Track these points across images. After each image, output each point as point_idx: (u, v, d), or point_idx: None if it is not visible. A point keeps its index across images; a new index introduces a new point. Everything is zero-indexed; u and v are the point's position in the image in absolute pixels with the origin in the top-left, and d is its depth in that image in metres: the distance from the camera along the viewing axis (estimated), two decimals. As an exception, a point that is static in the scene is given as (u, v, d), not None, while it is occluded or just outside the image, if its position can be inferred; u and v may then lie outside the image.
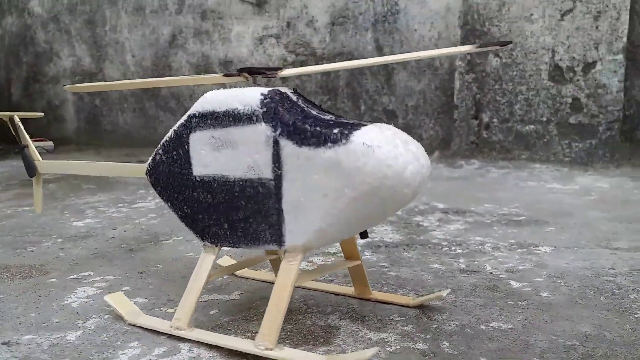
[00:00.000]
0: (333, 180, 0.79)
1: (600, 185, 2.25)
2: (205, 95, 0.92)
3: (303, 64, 3.69)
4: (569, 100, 2.68)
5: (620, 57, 2.57)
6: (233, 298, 1.06)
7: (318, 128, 0.81)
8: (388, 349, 0.83)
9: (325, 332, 0.89)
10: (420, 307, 0.98)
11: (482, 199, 1.99)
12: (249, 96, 0.87)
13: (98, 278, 1.19)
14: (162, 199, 1.00)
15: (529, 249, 1.36)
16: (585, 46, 2.62)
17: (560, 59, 2.67)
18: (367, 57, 3.50)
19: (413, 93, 3.39)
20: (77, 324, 0.94)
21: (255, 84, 0.94)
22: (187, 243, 1.48)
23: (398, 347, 0.83)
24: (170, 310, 1.01)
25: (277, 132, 0.83)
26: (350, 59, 3.51)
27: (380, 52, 3.44)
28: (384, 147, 0.77)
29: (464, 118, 2.93)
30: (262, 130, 0.84)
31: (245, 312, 1.00)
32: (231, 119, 0.88)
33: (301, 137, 0.82)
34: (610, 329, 0.88)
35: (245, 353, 0.81)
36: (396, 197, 0.79)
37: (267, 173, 0.85)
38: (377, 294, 1.04)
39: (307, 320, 0.94)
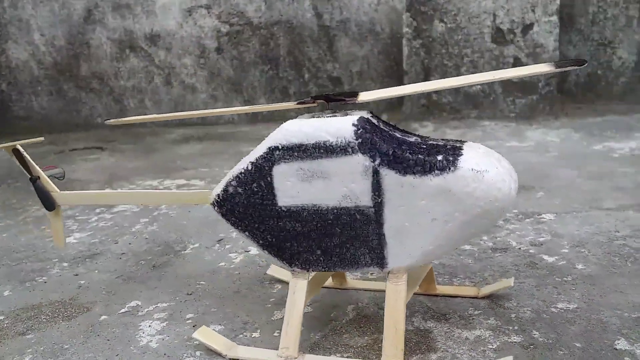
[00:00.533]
0: (442, 206, 0.83)
1: (551, 139, 2.46)
2: (285, 127, 0.91)
3: (239, 34, 3.58)
4: (511, 60, 2.86)
5: (554, 18, 2.77)
6: (305, 311, 1.09)
7: (420, 156, 0.84)
8: (490, 346, 0.91)
9: (421, 337, 0.96)
10: (487, 297, 1.08)
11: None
12: (341, 128, 0.87)
13: (151, 308, 1.16)
14: (236, 229, 0.99)
15: (535, 218, 1.50)
16: (523, 9, 2.79)
17: (501, 22, 2.82)
18: (306, 25, 3.46)
19: (356, 59, 3.43)
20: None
21: (330, 110, 0.94)
22: (208, 251, 1.46)
23: (498, 343, 0.92)
24: (255, 334, 1.02)
25: (377, 162, 0.85)
26: (290, 28, 3.46)
27: (319, 19, 3.42)
28: (491, 171, 0.82)
29: (414, 82, 3.03)
30: (360, 161, 0.86)
31: (330, 324, 1.03)
32: (322, 151, 0.88)
33: (404, 166, 0.84)
34: (656, 296, 1.03)
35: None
36: (502, 214, 0.85)
37: (365, 201, 0.87)
38: (442, 289, 1.11)
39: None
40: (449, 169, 0.83)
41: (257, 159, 0.93)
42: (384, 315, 1.03)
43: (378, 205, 0.87)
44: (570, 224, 1.44)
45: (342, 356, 0.93)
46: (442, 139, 0.93)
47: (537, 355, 0.87)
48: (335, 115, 0.92)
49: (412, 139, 0.92)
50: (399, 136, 0.92)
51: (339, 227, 0.91)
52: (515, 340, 0.92)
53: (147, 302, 1.19)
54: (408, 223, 0.86)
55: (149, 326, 1.08)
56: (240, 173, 0.96)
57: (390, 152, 0.85)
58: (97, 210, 1.98)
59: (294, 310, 0.93)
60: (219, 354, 0.95)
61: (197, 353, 0.97)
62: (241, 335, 1.02)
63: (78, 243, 1.63)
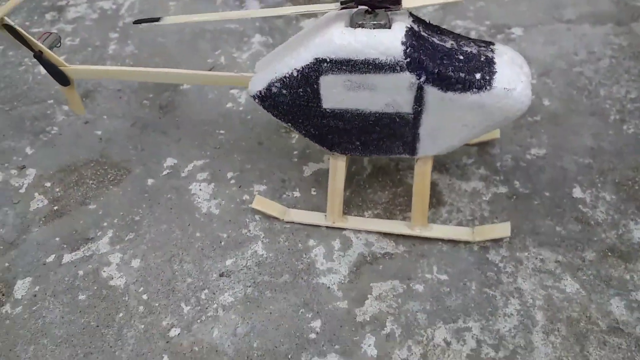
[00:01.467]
0: (475, 116, 0.99)
1: None
2: (334, 40, 0.94)
3: None
4: None
5: None
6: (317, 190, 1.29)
7: (462, 74, 0.94)
8: (484, 198, 1.20)
9: (431, 190, 1.22)
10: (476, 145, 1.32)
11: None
12: (391, 47, 0.92)
13: (190, 167, 1.30)
14: (278, 118, 1.09)
15: (506, 34, 1.64)
16: None
17: None
18: None
19: None
20: (243, 232, 1.15)
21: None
22: (203, 89, 1.50)
23: (490, 195, 1.21)
24: (295, 194, 1.23)
25: (422, 80, 0.95)
26: None
27: None
28: (518, 88, 0.96)
29: None
30: (407, 78, 0.95)
31: (354, 180, 1.25)
32: (371, 67, 0.95)
33: (446, 84, 0.95)
34: (602, 139, 1.31)
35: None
36: (517, 117, 1.02)
37: (406, 109, 1.00)
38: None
39: (407, 180, 1.24)
40: (485, 87, 0.95)
41: (303, 68, 0.98)
42: (395, 166, 1.28)
43: (417, 112, 1.00)
44: (536, 42, 1.61)
45: (373, 212, 1.19)
46: (474, 43, 1.01)
47: (519, 205, 1.18)
48: (380, 25, 0.95)
49: (449, 45, 0.99)
50: (438, 43, 0.98)
51: (378, 126, 1.04)
52: (502, 191, 1.21)
53: (182, 158, 1.32)
54: (441, 126, 1.02)
55: (200, 189, 1.25)
56: (285, 77, 1.01)
57: (436, 71, 0.94)
58: (49, 17, 1.82)
59: (336, 186, 1.14)
60: (277, 219, 1.18)
61: (257, 217, 1.19)
62: (285, 195, 1.23)
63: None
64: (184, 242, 1.14)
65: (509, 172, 1.26)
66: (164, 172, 1.30)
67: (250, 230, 1.16)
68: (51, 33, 1.19)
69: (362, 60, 0.95)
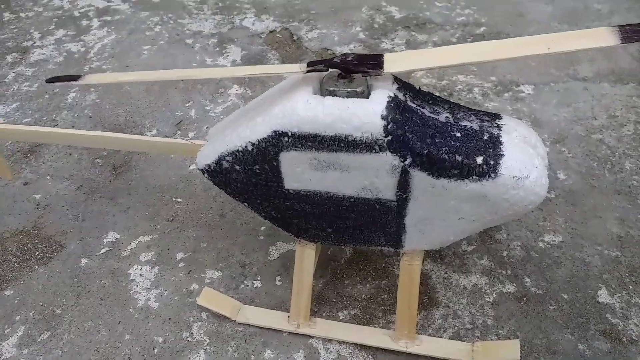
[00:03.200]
0: (475, 209, 0.77)
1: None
2: (296, 109, 0.74)
3: None
4: None
5: None
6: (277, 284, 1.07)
7: (458, 157, 0.74)
8: (487, 299, 0.97)
9: (422, 285, 0.99)
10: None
11: (428, -9, 1.89)
12: (368, 121, 0.72)
13: (134, 245, 1.09)
14: (233, 198, 0.88)
15: (513, 91, 1.45)
16: None
17: None
18: None
19: None
20: (184, 336, 0.93)
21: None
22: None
23: (494, 295, 0.98)
24: (256, 283, 1.01)
25: (407, 162, 0.74)
26: None
27: None
28: (531, 176, 0.75)
29: None
30: (387, 160, 0.74)
31: (330, 267, 1.03)
32: (343, 144, 0.74)
33: (438, 168, 0.74)
34: (632, 225, 1.09)
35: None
36: (530, 211, 0.81)
37: (388, 195, 0.79)
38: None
39: (394, 269, 1.02)
40: (489, 175, 0.74)
41: (259, 141, 0.78)
42: (380, 252, 1.06)
43: (402, 200, 0.79)
44: (549, 103, 1.41)
45: (349, 312, 0.97)
46: (475, 116, 0.81)
47: (530, 312, 0.95)
48: (356, 93, 0.75)
49: (443, 118, 0.79)
50: (429, 116, 0.78)
51: (354, 213, 0.83)
52: (509, 290, 0.99)
53: (126, 233, 1.11)
54: (432, 217, 0.81)
55: (141, 275, 1.03)
56: (238, 151, 0.81)
57: (424, 152, 0.74)
58: (10, 59, 1.66)
59: (303, 280, 0.92)
60: (228, 319, 0.95)
61: (204, 315, 0.96)
62: (243, 285, 1.01)
63: (5, 121, 1.41)
64: (108, 348, 0.92)
65: (518, 265, 1.03)
66: (102, 250, 1.08)
67: (192, 334, 0.94)
68: None
69: (331, 136, 0.74)
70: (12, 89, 1.53)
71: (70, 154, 1.31)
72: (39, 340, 0.93)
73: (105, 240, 1.10)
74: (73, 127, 1.39)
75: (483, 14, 1.78)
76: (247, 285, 1.01)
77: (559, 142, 1.29)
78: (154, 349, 0.91)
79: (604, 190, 1.17)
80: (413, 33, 1.71)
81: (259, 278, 1.03)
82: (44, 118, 1.43)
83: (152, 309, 0.98)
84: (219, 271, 1.04)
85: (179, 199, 1.18)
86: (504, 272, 1.02)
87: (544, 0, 1.84)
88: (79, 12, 1.88)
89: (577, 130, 1.33)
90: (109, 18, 1.83)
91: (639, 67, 1.53)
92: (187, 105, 1.45)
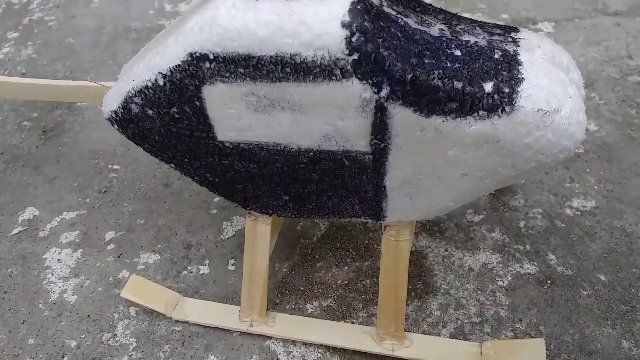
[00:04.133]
0: (481, 160, 0.54)
1: None
2: (217, 20, 0.50)
3: None
4: None
5: None
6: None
7: (457, 84, 0.50)
8: (500, 283, 0.75)
9: (416, 266, 0.77)
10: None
11: None
12: (321, 32, 0.48)
13: (55, 222, 0.86)
14: (155, 157, 0.66)
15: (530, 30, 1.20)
16: None
17: None
18: None
19: None
20: (105, 338, 0.71)
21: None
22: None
23: (509, 278, 0.75)
24: (202, 269, 0.79)
25: (383, 94, 0.51)
26: None
27: None
28: (564, 109, 0.51)
29: None
30: (354, 91, 0.51)
31: (299, 244, 0.81)
32: (289, 70, 0.51)
33: (429, 102, 0.51)
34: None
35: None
36: (560, 162, 0.57)
37: (360, 145, 0.56)
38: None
39: (380, 247, 0.80)
40: (503, 109, 0.51)
41: (172, 72, 0.55)
42: (364, 224, 0.83)
43: (379, 151, 0.56)
44: (573, 42, 1.15)
45: (321, 304, 0.74)
46: (481, 28, 0.57)
47: (556, 299, 0.72)
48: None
49: (436, 31, 0.55)
50: (415, 27, 0.54)
51: (316, 172, 0.61)
52: (529, 271, 0.76)
53: (48, 208, 0.89)
54: (422, 176, 0.58)
55: (59, 260, 0.81)
56: (147, 87, 0.58)
57: (408, 78, 0.50)
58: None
59: (257, 264, 0.70)
60: (161, 315, 0.74)
61: (132, 311, 0.75)
62: (185, 272, 0.79)
63: None
64: (3, 357, 0.70)
65: (540, 238, 0.80)
66: (15, 231, 0.86)
67: (116, 336, 0.72)
68: None
69: (271, 57, 0.51)
70: (-63, 46, 1.31)
71: (-7, 117, 1.09)
72: None
73: (20, 219, 0.88)
74: (2, 85, 1.17)
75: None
76: (191, 272, 0.79)
77: (588, 87, 1.04)
78: (63, 357, 0.70)
79: (647, 142, 0.93)
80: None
81: (206, 262, 0.80)
82: (-31, 76, 1.21)
83: (67, 303, 0.76)
84: (157, 254, 0.82)
85: (115, 166, 0.96)
86: (522, 247, 0.79)
87: None
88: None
89: (610, 72, 1.08)
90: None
91: (681, -2, 1.27)
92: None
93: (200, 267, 0.80)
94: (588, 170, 0.89)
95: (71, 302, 0.76)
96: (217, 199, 0.89)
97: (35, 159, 0.99)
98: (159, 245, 0.83)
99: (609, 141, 0.93)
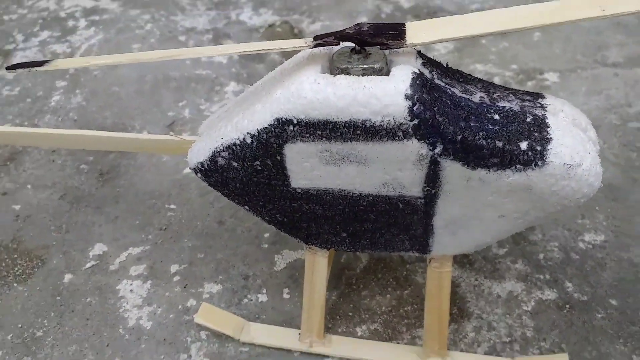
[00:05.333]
0: (518, 204, 0.66)
1: None
2: (302, 92, 0.62)
3: None
4: None
5: None
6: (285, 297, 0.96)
7: (498, 143, 0.62)
8: (525, 308, 0.85)
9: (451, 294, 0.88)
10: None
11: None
12: (388, 103, 0.60)
13: (123, 257, 0.97)
14: (232, 201, 0.76)
15: (537, 80, 1.33)
16: None
17: None
18: None
19: None
20: (181, 359, 0.81)
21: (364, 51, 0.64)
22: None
23: (533, 303, 0.86)
24: (261, 297, 0.89)
25: (437, 151, 0.62)
26: None
27: None
28: (585, 163, 0.63)
29: None
30: (414, 149, 0.62)
31: (344, 275, 0.92)
32: (360, 132, 0.63)
33: (475, 157, 0.62)
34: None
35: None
36: (581, 204, 0.69)
37: (414, 192, 0.67)
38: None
39: (417, 277, 0.91)
40: (535, 163, 0.62)
41: (259, 133, 0.66)
42: (400, 259, 0.94)
43: (431, 197, 0.67)
44: (577, 91, 1.29)
45: (369, 327, 0.85)
46: (514, 95, 0.69)
47: (574, 320, 0.83)
48: (374, 70, 0.63)
49: (477, 98, 0.67)
50: (460, 96, 0.66)
51: (373, 214, 0.72)
52: (549, 297, 0.86)
53: (115, 245, 1.00)
54: (466, 217, 0.69)
55: (131, 290, 0.92)
56: (235, 145, 0.69)
57: (458, 138, 0.62)
58: (-8, 62, 1.55)
59: (315, 293, 0.80)
60: (230, 338, 0.83)
61: (203, 335, 0.84)
62: (246, 300, 0.89)
63: (-13, 128, 1.29)
64: (94, 376, 0.80)
65: (557, 269, 0.91)
66: (88, 265, 0.96)
67: (191, 357, 0.81)
68: None
69: (345, 122, 0.63)
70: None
71: (53, 161, 1.20)
72: (14, 369, 0.81)
73: (91, 254, 0.98)
74: (58, 131, 1.28)
75: (499, 0, 1.67)
76: (251, 300, 0.90)
77: (590, 132, 1.18)
78: (145, 377, 0.79)
79: (646, 182, 1.06)
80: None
81: (264, 291, 0.91)
82: (26, 123, 1.32)
83: (144, 328, 0.86)
84: (219, 284, 0.92)
85: (172, 206, 1.07)
86: (542, 276, 0.90)
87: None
88: (65, 13, 1.77)
89: (612, 119, 1.21)
90: (97, 17, 1.73)
91: (670, 50, 1.41)
92: (180, 104, 1.34)
93: (259, 295, 0.90)
94: (597, 208, 1.01)
95: (147, 328, 0.86)
96: (267, 234, 1.00)
97: (96, 200, 1.10)
98: (220, 277, 0.93)
99: (614, 182, 1.05)
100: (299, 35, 1.60)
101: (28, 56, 1.57)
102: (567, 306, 0.85)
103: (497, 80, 1.34)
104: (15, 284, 0.94)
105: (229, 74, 1.44)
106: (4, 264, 0.98)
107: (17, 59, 1.56)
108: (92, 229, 1.03)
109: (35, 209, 1.09)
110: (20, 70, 0.72)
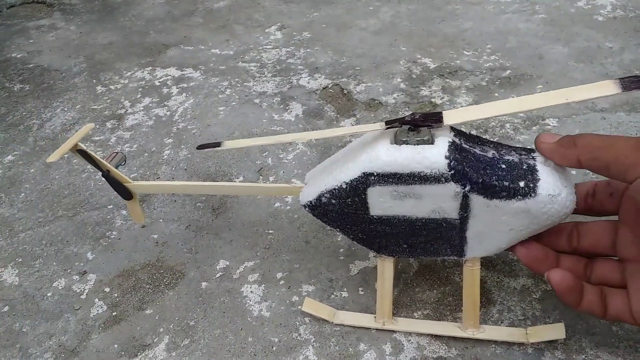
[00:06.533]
0: (520, 221, 1.01)
1: (537, -8, 2.49)
2: (380, 155, 1.00)
3: None
4: None
5: None
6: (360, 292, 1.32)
7: (505, 183, 0.99)
8: (534, 296, 1.20)
9: (481, 289, 1.23)
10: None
11: (453, 39, 2.17)
12: (435, 161, 0.98)
13: (241, 269, 1.35)
14: (327, 225, 1.14)
15: (540, 125, 1.69)
16: None
17: None
18: None
19: None
20: (294, 336, 1.17)
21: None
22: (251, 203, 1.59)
23: (539, 293, 1.20)
24: (344, 294, 1.26)
25: (467, 189, 0.99)
26: None
27: None
28: (562, 193, 0.99)
29: None
30: (452, 188, 0.99)
31: (401, 278, 1.28)
32: (417, 179, 1.00)
33: (491, 192, 0.99)
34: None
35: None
36: (563, 220, 1.05)
37: (452, 215, 1.04)
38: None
39: (454, 277, 1.26)
40: (530, 195, 0.99)
41: (352, 181, 1.04)
42: (442, 264, 1.29)
43: (464, 218, 1.04)
44: (572, 132, 1.62)
45: (422, 313, 1.20)
46: (515, 152, 1.06)
47: (570, 303, 1.17)
48: (424, 141, 1.01)
49: (490, 154, 1.04)
50: (480, 154, 1.04)
51: (425, 230, 1.08)
52: (552, 289, 1.21)
53: (234, 260, 1.38)
54: (488, 230, 1.05)
55: (251, 292, 1.29)
56: (335, 189, 1.07)
57: (480, 181, 0.99)
58: (109, 125, 1.98)
59: (385, 288, 1.16)
60: (326, 321, 1.20)
61: (306, 319, 1.21)
62: (333, 295, 1.26)
63: (118, 177, 1.71)
64: (237, 348, 1.17)
65: (558, 268, 1.26)
66: (217, 275, 1.35)
67: (300, 334, 1.18)
68: (117, 153, 1.30)
69: (407, 173, 1.00)
70: (116, 150, 1.84)
71: (175, 201, 1.60)
72: (182, 345, 1.19)
73: (217, 267, 1.37)
74: (172, 178, 1.69)
75: (507, 59, 2.05)
76: (337, 296, 1.26)
77: (585, 172, 1.52)
78: (272, 347, 1.16)
79: (625, 203, 1.39)
80: (447, 80, 1.98)
81: (345, 290, 1.27)
82: (147, 173, 1.73)
83: (265, 317, 1.23)
84: (312, 285, 1.29)
85: (270, 231, 1.45)
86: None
87: (560, 43, 2.10)
88: (159, 82, 2.21)
89: (598, 154, 1.56)
90: (185, 85, 2.16)
91: (649, 96, 1.76)
92: (264, 154, 1.73)
93: (342, 292, 1.26)
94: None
95: (267, 316, 1.23)
96: (342, 249, 1.37)
97: (214, 228, 1.49)
98: (312, 280, 1.30)
99: (600, 204, 1.40)
100: (347, 94, 1.99)
101: (137, 119, 2.00)
102: (564, 294, 1.19)
103: (508, 126, 1.71)
104: (167, 291, 1.33)
105: (297, 129, 1.83)
106: (155, 277, 1.37)
107: (129, 121, 1.99)
108: (215, 249, 1.42)
109: (169, 237, 1.48)
110: (205, 150, 1.13)
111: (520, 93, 1.84)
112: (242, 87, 2.11)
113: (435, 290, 1.25)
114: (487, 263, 1.29)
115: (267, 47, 2.37)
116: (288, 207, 1.52)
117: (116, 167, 1.27)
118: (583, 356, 1.08)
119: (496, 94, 1.86)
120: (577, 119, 1.71)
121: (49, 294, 1.36)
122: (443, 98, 1.89)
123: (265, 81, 2.13)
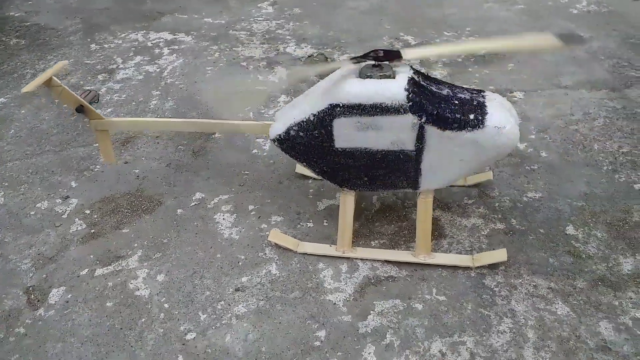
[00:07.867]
0: (470, 151, 1.12)
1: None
2: (346, 87, 1.10)
3: None
4: None
5: None
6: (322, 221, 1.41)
7: (457, 115, 1.09)
8: (482, 232, 1.30)
9: (433, 225, 1.32)
10: (475, 186, 1.43)
11: (436, 22, 2.29)
12: (396, 92, 1.08)
13: (216, 200, 1.44)
14: (295, 159, 1.23)
15: (508, 97, 1.80)
16: None
17: None
18: None
19: None
20: (260, 255, 1.26)
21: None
22: (232, 138, 1.68)
23: (487, 230, 1.30)
24: (309, 224, 1.35)
25: (423, 120, 1.09)
26: None
27: None
28: (507, 126, 1.09)
29: None
30: (409, 119, 1.09)
31: (363, 214, 1.37)
32: (379, 110, 1.10)
33: (444, 123, 1.09)
34: (595, 186, 1.42)
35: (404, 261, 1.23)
36: (508, 153, 1.15)
37: (409, 146, 1.13)
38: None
39: (412, 215, 1.35)
40: (479, 126, 1.09)
41: (319, 112, 1.14)
42: (401, 204, 1.39)
43: (419, 149, 1.14)
44: (536, 104, 1.76)
45: (379, 242, 1.29)
46: (467, 91, 1.16)
47: (515, 240, 1.27)
48: (386, 75, 1.11)
49: (445, 92, 1.15)
50: (435, 90, 1.14)
51: (384, 163, 1.18)
52: (499, 227, 1.31)
53: (210, 194, 1.47)
54: (441, 162, 1.15)
55: (223, 219, 1.38)
56: (302, 121, 1.17)
57: (435, 112, 1.09)
58: (101, 78, 2.07)
59: (346, 219, 1.26)
60: (290, 250, 1.29)
61: (272, 244, 1.30)
62: (299, 225, 1.35)
63: (106, 121, 1.79)
64: (205, 262, 1.26)
65: (507, 212, 1.36)
66: (193, 204, 1.44)
67: (266, 254, 1.27)
68: (91, 90, 1.38)
69: (370, 104, 1.10)
70: (105, 99, 1.93)
71: (157, 143, 1.69)
72: (153, 257, 1.28)
73: (193, 198, 1.46)
74: (157, 125, 1.77)
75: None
76: (303, 226, 1.35)
77: (543, 132, 1.63)
78: (239, 263, 1.25)
79: (576, 164, 1.50)
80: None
81: (310, 221, 1.36)
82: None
83: (234, 239, 1.32)
84: (281, 217, 1.38)
85: (246, 172, 1.54)
86: (496, 216, 1.34)
87: (535, 30, 2.22)
88: (151, 43, 2.31)
89: (558, 123, 1.67)
90: (176, 47, 2.26)
91: (611, 77, 1.88)
92: (247, 109, 1.83)
93: (308, 223, 1.36)
94: (538, 178, 1.46)
95: (236, 238, 1.32)
96: (311, 190, 1.46)
97: (193, 167, 1.58)
98: (281, 213, 1.39)
99: (553, 163, 1.51)
100: (331, 62, 2.09)
101: (128, 73, 2.09)
102: (511, 232, 1.30)
103: (479, 97, 1.81)
104: (144, 215, 1.41)
105: (280, 89, 1.93)
106: (133, 204, 1.45)
107: (120, 75, 2.08)
108: (192, 184, 1.51)
109: (150, 172, 1.57)
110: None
111: (492, 70, 1.95)
112: (231, 51, 2.21)
113: (392, 225, 1.34)
114: (443, 205, 1.39)
115: (259, 19, 2.47)
116: (265, 154, 1.61)
117: (90, 104, 1.34)
118: (520, 280, 1.17)
119: (470, 69, 1.97)
120: (542, 93, 1.82)
121: (32, 213, 1.44)
122: (421, 70, 2.00)
123: (254, 47, 2.23)
